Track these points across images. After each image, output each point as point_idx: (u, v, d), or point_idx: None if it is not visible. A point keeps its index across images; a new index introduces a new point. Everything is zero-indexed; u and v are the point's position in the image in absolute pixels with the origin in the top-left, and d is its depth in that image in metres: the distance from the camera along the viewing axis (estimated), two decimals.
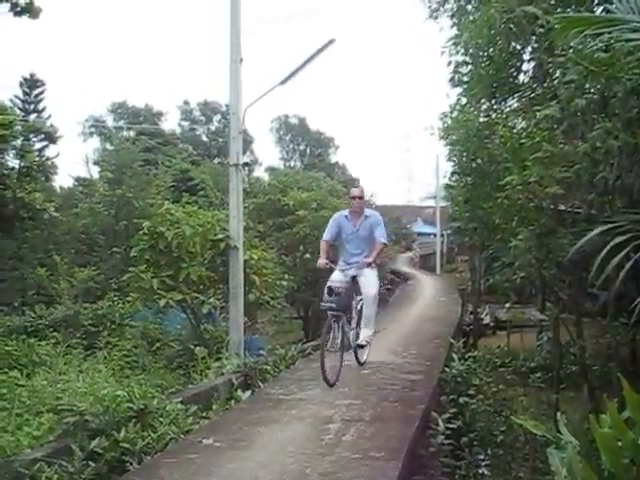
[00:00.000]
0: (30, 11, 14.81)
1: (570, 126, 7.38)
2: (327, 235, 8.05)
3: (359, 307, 7.87)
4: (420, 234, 52.28)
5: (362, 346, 7.98)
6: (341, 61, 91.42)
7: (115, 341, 13.01)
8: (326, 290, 7.37)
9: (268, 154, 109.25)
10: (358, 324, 7.88)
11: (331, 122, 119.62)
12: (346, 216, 8.10)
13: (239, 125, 11.05)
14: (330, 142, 69.15)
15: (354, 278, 7.77)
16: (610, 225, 5.73)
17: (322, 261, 7.73)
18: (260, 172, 55.55)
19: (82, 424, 5.95)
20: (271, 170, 54.34)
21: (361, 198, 8.09)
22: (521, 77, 10.71)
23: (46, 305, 15.82)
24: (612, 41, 5.97)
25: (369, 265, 7.66)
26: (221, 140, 54.91)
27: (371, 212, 8.23)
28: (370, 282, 7.79)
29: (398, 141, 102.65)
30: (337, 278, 7.60)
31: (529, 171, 7.57)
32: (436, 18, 13.78)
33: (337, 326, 7.30)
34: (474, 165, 10.90)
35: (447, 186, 17.05)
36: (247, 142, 49.56)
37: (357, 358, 8.07)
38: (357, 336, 7.85)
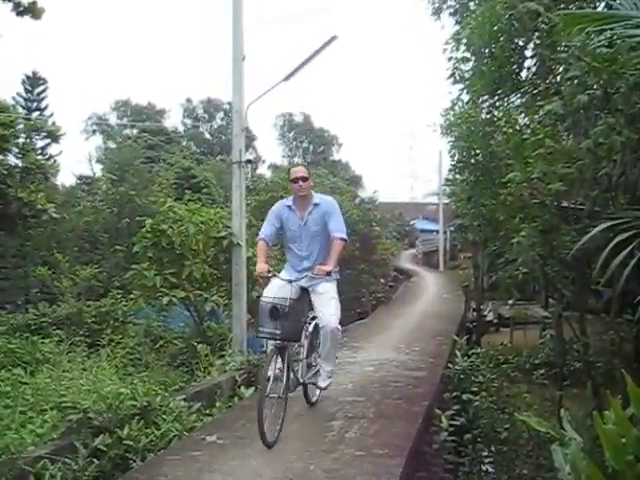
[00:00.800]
0: (33, 11, 14.80)
1: (573, 122, 7.36)
2: (264, 232, 6.11)
3: (311, 329, 5.99)
4: (423, 231, 52.26)
5: (322, 389, 6.30)
6: (344, 59, 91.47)
7: (118, 339, 13.02)
8: (266, 309, 5.37)
9: (271, 151, 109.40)
10: (309, 352, 6.02)
11: (334, 120, 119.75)
12: (289, 206, 6.16)
13: (242, 122, 11.05)
14: (333, 140, 69.19)
15: (305, 290, 5.95)
16: (614, 222, 5.72)
17: (262, 267, 5.71)
18: (263, 169, 55.67)
19: (85, 422, 5.97)
20: (274, 167, 54.41)
21: (305, 179, 6.02)
22: (523, 73, 10.69)
23: (49, 303, 15.86)
24: (615, 37, 5.96)
25: (328, 274, 5.63)
26: (224, 137, 54.99)
27: (322, 198, 6.21)
28: (329, 306, 5.87)
29: (401, 139, 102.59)
30: (282, 292, 5.58)
31: (532, 167, 7.55)
32: (439, 16, 13.78)
33: (281, 360, 5.37)
34: (476, 161, 10.87)
35: (447, 180, 17.06)
36: (250, 139, 49.63)
37: (307, 396, 6.25)
38: (308, 367, 6.01)
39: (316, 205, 6.07)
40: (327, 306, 5.87)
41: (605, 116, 6.66)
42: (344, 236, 5.91)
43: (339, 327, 5.85)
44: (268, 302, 5.39)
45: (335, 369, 6.41)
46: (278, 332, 5.27)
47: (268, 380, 5.20)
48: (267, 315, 5.31)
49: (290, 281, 5.73)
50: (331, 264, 5.70)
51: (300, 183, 6.01)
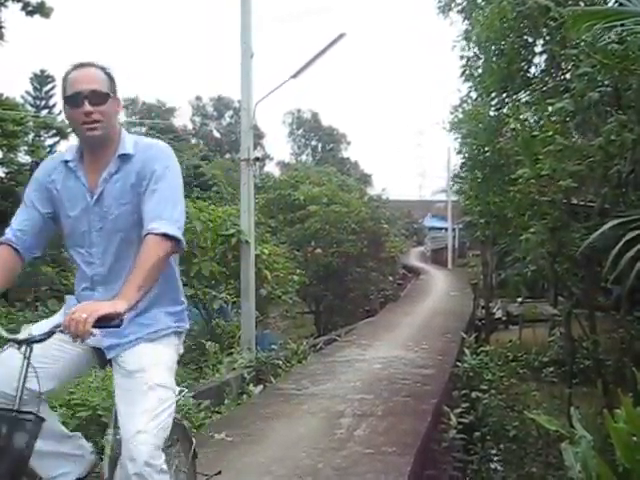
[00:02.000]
0: (42, 11, 14.92)
1: (583, 120, 7.32)
2: (13, 224, 2.65)
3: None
4: (432, 229, 52.16)
5: None
6: (354, 57, 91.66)
7: None
8: None
9: (279, 149, 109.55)
10: None
11: (343, 118, 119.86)
12: (67, 162, 2.63)
13: (250, 120, 11.05)
14: (342, 138, 69.12)
15: (105, 362, 2.67)
16: (624, 219, 5.69)
17: None
18: (271, 167, 55.70)
19: (95, 419, 5.99)
20: (282, 165, 54.44)
21: (102, 100, 2.47)
22: (533, 70, 10.63)
23: (58, 301, 15.90)
24: (625, 33, 5.93)
25: (100, 323, 2.07)
26: (233, 135, 55.04)
27: (142, 142, 2.66)
28: (138, 404, 2.42)
29: (410, 137, 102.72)
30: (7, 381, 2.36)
31: (541, 164, 7.51)
32: (449, 12, 13.70)
33: None
34: (484, 158, 10.83)
35: (455, 177, 17.04)
36: (258, 137, 49.65)
37: None
38: None
39: (125, 158, 2.59)
40: (133, 403, 2.46)
41: (616, 113, 6.62)
42: (173, 231, 2.45)
43: (161, 465, 2.42)
44: None
45: None
46: None
47: None
48: None
49: (28, 343, 2.33)
50: (130, 294, 2.26)
51: (86, 107, 2.46)
